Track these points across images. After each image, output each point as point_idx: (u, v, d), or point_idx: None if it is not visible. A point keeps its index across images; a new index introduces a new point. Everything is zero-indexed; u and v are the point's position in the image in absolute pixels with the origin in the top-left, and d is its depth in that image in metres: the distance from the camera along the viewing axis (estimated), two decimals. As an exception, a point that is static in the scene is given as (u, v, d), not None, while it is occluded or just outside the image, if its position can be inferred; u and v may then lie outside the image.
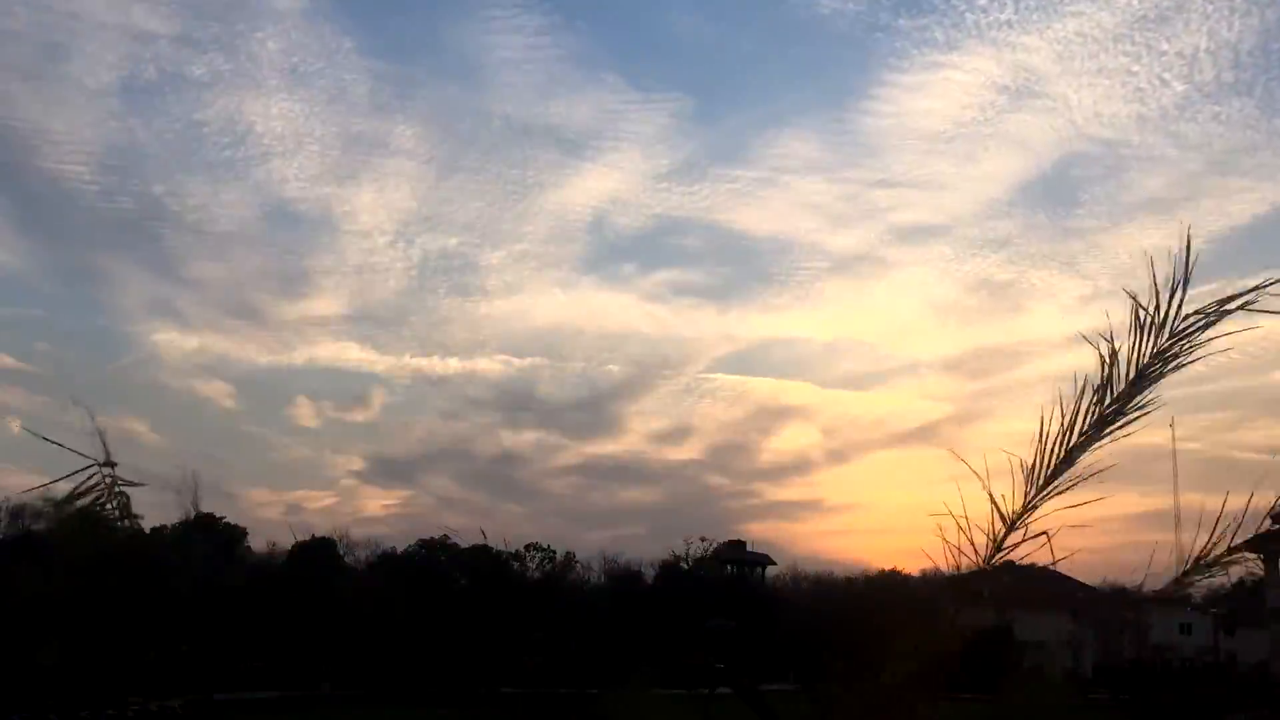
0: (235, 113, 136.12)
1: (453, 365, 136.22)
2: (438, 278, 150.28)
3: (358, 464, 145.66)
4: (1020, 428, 3.70)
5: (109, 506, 4.24)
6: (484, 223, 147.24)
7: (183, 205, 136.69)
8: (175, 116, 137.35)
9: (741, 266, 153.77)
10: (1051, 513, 3.42)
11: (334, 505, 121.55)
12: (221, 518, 67.43)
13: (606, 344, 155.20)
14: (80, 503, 4.17)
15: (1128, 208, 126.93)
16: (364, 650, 50.33)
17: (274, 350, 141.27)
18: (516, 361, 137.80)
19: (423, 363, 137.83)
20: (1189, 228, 3.36)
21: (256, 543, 75.77)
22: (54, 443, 4.03)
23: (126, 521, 4.38)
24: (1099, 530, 3.60)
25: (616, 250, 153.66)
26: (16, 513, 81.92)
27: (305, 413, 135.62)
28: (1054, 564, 3.40)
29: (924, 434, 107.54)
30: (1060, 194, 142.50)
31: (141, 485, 4.31)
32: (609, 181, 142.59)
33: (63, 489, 4.25)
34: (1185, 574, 3.40)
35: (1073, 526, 3.38)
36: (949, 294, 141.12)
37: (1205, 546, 3.36)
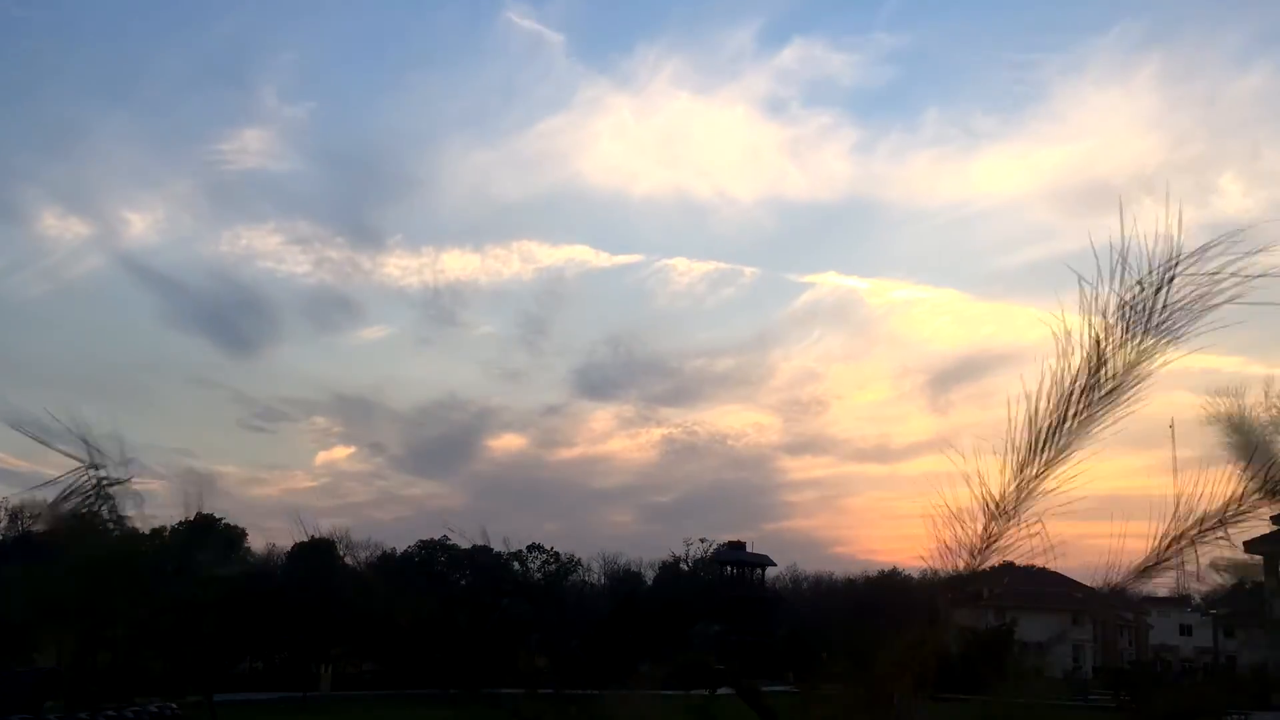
0: None
1: (454, 264, 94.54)
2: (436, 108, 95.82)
3: (322, 429, 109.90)
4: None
5: (99, 509, 4.12)
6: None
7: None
8: None
9: (931, 43, 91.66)
10: (1054, 488, 3.16)
11: (300, 492, 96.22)
12: (221, 518, 67.26)
13: (675, 219, 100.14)
14: (67, 506, 4.04)
15: None
16: (363, 650, 50.22)
17: (202, 242, 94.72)
18: (549, 254, 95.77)
19: (409, 263, 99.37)
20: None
21: (256, 542, 75.54)
22: (41, 441, 3.89)
23: (116, 525, 4.24)
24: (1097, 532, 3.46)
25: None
26: (16, 513, 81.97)
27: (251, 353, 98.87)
28: (1050, 547, 3.21)
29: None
30: None
31: (125, 482, 4.17)
32: None
33: (51, 492, 4.09)
34: (1170, 544, 3.23)
35: (1062, 505, 3.18)
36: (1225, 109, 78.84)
37: (1190, 525, 3.20)
